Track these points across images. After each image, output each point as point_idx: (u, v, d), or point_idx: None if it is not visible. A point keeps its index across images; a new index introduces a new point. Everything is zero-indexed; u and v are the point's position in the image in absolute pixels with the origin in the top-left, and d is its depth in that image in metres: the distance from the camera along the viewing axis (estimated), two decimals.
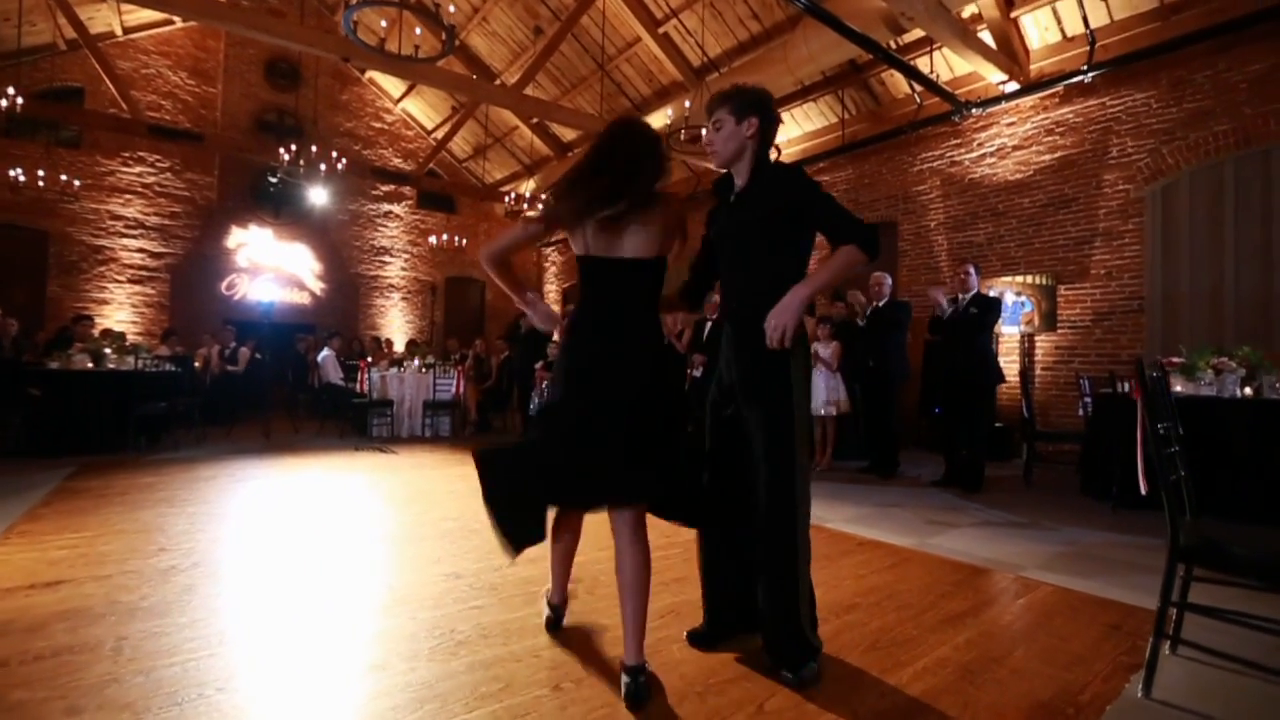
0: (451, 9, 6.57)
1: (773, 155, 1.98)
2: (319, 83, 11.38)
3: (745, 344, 1.80)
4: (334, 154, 9.25)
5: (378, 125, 12.64)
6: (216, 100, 10.92)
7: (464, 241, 12.12)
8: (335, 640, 1.95)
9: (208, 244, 10.71)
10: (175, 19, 9.92)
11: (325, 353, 8.08)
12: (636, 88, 9.38)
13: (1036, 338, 6.34)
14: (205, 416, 6.54)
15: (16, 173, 8.20)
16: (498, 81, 10.28)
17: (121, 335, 8.51)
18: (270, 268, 11.17)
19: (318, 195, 9.77)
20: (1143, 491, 2.04)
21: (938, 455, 5.47)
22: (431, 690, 1.65)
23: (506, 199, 11.29)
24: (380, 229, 12.70)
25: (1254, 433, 3.55)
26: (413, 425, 7.42)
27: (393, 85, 12.20)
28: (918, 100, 7.08)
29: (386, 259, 12.75)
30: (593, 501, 1.75)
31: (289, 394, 8.92)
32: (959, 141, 7.05)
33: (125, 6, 9.41)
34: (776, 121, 1.89)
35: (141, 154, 10.31)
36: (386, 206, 12.75)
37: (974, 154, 6.92)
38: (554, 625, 2.05)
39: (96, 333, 7.87)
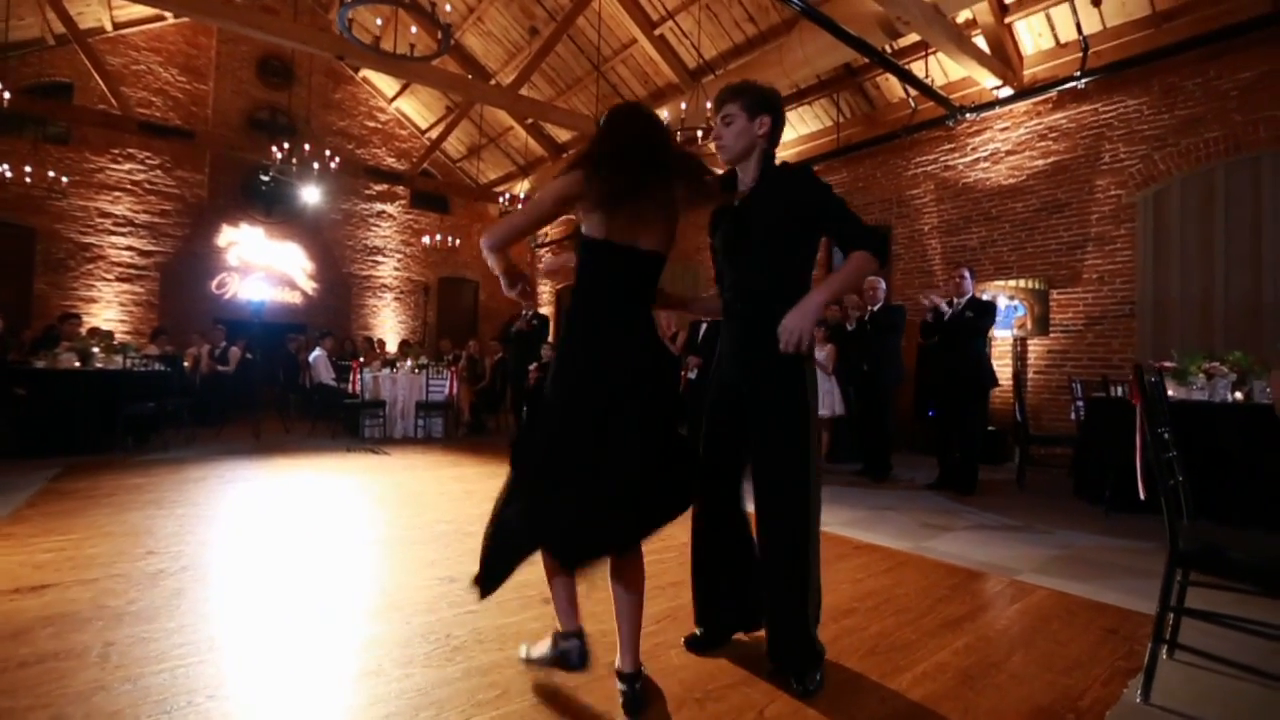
0: (447, 8, 6.53)
1: None
2: (312, 81, 11.30)
3: (752, 343, 1.80)
4: (327, 153, 9.20)
5: (371, 124, 12.56)
6: (208, 97, 10.81)
7: (457, 242, 12.07)
8: (328, 646, 1.92)
9: (198, 242, 10.59)
10: (167, 15, 9.80)
11: (317, 353, 8.03)
12: (632, 89, 9.38)
13: (1029, 341, 6.37)
14: (195, 417, 6.45)
15: (3, 169, 8.09)
16: (493, 82, 10.25)
17: (109, 334, 8.43)
18: (261, 267, 11.07)
19: (310, 194, 9.70)
20: (1141, 496, 2.04)
21: (931, 458, 5.50)
22: (427, 697, 1.63)
23: (500, 199, 11.26)
24: (373, 229, 12.62)
25: (1244, 437, 3.60)
26: (405, 426, 7.36)
27: (386, 84, 12.14)
28: (912, 104, 7.11)
29: (379, 259, 12.68)
30: (621, 549, 1.61)
31: (280, 394, 8.82)
32: (953, 146, 7.09)
33: (116, 2, 9.33)
34: (784, 122, 1.89)
35: (131, 151, 10.19)
36: (379, 206, 12.67)
37: (968, 158, 6.95)
38: (581, 658, 1.63)
39: (84, 331, 7.77)
